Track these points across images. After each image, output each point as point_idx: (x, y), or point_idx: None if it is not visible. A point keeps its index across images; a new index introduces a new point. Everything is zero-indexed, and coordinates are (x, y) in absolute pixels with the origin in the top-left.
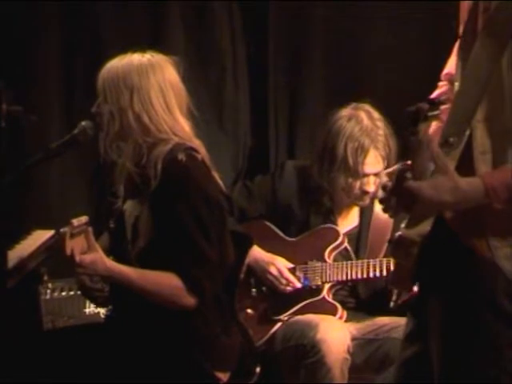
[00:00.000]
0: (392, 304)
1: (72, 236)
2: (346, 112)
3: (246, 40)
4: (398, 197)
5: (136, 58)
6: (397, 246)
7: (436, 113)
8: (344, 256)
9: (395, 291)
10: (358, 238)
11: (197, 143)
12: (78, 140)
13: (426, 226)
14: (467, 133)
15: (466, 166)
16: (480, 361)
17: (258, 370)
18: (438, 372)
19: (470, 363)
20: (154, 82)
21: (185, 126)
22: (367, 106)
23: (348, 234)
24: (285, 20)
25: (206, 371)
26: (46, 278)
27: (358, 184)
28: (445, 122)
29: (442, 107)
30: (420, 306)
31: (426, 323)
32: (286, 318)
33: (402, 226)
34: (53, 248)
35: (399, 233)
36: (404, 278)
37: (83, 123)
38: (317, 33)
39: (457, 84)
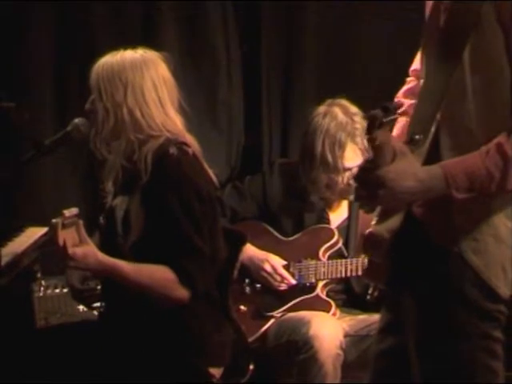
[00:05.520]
0: (368, 297)
1: (64, 227)
2: (321, 109)
3: (239, 38)
4: (364, 185)
5: (129, 54)
6: (367, 243)
7: (392, 118)
8: (336, 250)
9: (371, 285)
10: (348, 230)
11: (189, 138)
12: (71, 137)
13: (395, 222)
14: (433, 130)
15: (433, 163)
16: (453, 352)
17: (251, 367)
18: (415, 364)
19: (444, 355)
20: (148, 78)
21: (177, 121)
22: (343, 101)
23: (339, 228)
24: (278, 18)
25: (198, 367)
26: (39, 275)
27: (340, 179)
28: (410, 120)
29: (409, 102)
30: (393, 299)
31: (400, 316)
32: (278, 315)
33: (373, 223)
34: (46, 245)
35: (369, 229)
36: (378, 273)
37: (76, 120)
38: (310, 31)
39: (422, 81)
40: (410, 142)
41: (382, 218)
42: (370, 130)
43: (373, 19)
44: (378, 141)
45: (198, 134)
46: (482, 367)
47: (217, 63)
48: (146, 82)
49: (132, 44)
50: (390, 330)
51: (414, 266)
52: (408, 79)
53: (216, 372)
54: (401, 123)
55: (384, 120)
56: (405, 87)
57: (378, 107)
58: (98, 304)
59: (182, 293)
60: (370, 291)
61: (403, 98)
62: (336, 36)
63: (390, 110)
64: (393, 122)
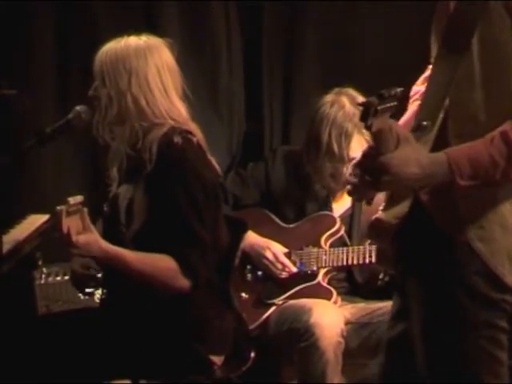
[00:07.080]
0: (379, 282)
1: (68, 214)
2: (328, 98)
3: (240, 26)
4: (367, 171)
5: (133, 41)
6: (373, 229)
7: (389, 105)
8: (338, 238)
9: (383, 270)
10: (351, 219)
11: (193, 126)
12: (73, 124)
13: (402, 209)
14: (441, 116)
15: (441, 150)
16: (458, 340)
17: (252, 355)
18: (420, 351)
19: (449, 343)
20: (152, 65)
21: (181, 108)
22: (350, 91)
23: (342, 217)
24: (279, 6)
25: (199, 355)
26: (40, 262)
27: (345, 169)
28: (418, 106)
29: (417, 88)
30: (402, 286)
31: (408, 303)
32: (280, 303)
33: (380, 208)
34: (48, 232)
35: (376, 216)
36: (388, 258)
37: (78, 108)
38: (312, 18)
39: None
40: (418, 128)
41: (390, 204)
42: (363, 118)
43: (377, 5)
44: (375, 128)
45: (200, 121)
46: (486, 356)
47: (218, 50)
48: (151, 68)
49: (134, 33)
50: (400, 317)
51: (421, 254)
52: (430, 66)
53: (217, 360)
54: (414, 109)
55: (379, 108)
56: (425, 74)
57: (374, 94)
58: (91, 290)
59: (184, 282)
60: (381, 276)
61: (421, 85)
62: (339, 21)
63: (386, 97)
64: (392, 110)
